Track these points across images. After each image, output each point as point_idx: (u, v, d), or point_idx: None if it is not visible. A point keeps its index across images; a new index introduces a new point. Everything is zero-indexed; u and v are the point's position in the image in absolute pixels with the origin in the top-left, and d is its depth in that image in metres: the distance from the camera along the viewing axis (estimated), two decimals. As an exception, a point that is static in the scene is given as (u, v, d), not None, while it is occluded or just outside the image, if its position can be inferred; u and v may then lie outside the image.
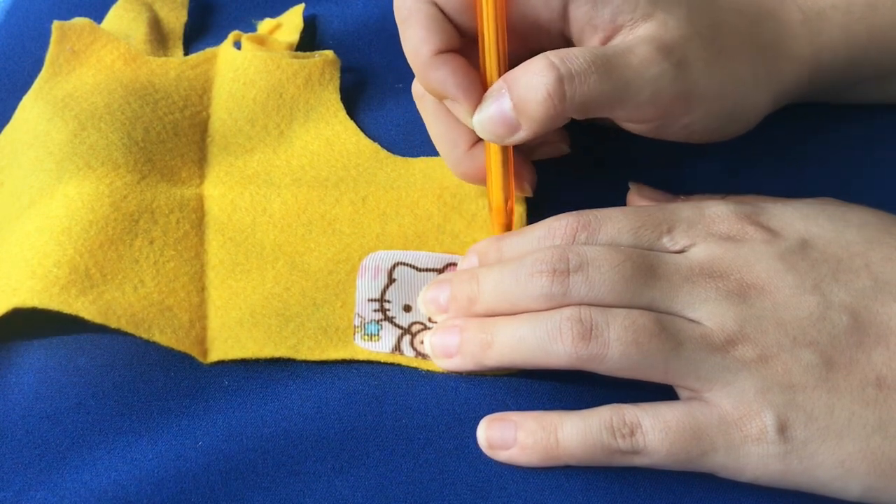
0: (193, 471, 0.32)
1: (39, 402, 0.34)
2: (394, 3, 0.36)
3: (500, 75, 0.35)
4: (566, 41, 0.36)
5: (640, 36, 0.34)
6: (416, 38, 0.35)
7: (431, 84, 0.36)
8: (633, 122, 0.37)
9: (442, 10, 0.35)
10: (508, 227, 0.38)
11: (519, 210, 0.40)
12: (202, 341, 0.36)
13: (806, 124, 0.44)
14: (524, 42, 0.37)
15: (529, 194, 0.39)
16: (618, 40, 0.35)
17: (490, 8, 0.35)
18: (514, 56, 0.36)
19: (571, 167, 0.42)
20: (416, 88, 0.39)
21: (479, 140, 0.37)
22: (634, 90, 0.34)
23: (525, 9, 0.35)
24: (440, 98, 0.36)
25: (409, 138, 0.43)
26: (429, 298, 0.36)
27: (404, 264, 0.38)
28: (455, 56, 0.35)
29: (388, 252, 0.38)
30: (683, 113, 0.36)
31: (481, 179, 0.38)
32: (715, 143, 0.39)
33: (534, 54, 0.35)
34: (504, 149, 0.36)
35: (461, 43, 0.36)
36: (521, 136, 0.34)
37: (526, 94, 0.33)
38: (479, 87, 0.35)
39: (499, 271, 0.34)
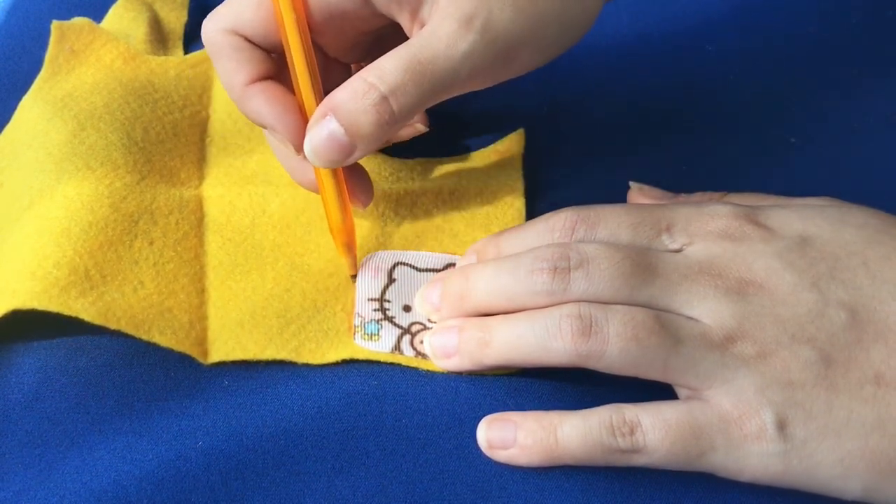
0: (193, 471, 0.32)
1: (39, 402, 0.34)
2: (202, 39, 0.36)
3: (315, 96, 0.35)
4: (381, 17, 0.35)
5: (441, 8, 0.33)
6: (227, 70, 0.35)
7: (249, 115, 0.35)
8: (467, 91, 0.35)
9: (249, 39, 0.35)
10: (351, 245, 0.37)
11: (518, 206, 0.40)
12: (202, 342, 0.36)
13: (806, 123, 0.44)
14: (341, 36, 0.36)
15: (364, 208, 0.38)
16: (424, 12, 0.34)
17: (292, 26, 0.34)
18: (337, 49, 0.36)
19: (571, 165, 0.42)
20: None
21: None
22: (452, 76, 0.33)
23: (328, 10, 0.35)
24: (261, 127, 0.36)
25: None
26: (423, 297, 0.37)
27: (404, 264, 0.38)
28: (270, 84, 0.35)
29: (388, 252, 0.39)
30: (513, 60, 0.35)
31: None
32: (714, 143, 0.39)
33: (354, 43, 0.36)
34: (334, 170, 0.36)
35: (275, 68, 0.36)
36: (357, 155, 0.34)
37: (355, 117, 0.33)
38: (297, 114, 0.35)
39: (494, 267, 0.34)
